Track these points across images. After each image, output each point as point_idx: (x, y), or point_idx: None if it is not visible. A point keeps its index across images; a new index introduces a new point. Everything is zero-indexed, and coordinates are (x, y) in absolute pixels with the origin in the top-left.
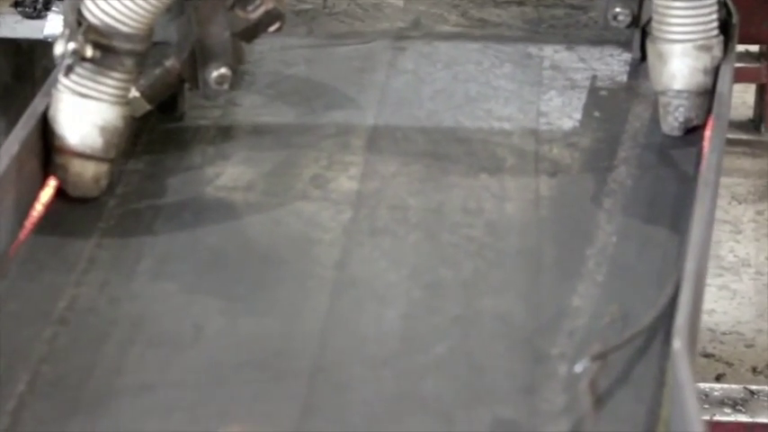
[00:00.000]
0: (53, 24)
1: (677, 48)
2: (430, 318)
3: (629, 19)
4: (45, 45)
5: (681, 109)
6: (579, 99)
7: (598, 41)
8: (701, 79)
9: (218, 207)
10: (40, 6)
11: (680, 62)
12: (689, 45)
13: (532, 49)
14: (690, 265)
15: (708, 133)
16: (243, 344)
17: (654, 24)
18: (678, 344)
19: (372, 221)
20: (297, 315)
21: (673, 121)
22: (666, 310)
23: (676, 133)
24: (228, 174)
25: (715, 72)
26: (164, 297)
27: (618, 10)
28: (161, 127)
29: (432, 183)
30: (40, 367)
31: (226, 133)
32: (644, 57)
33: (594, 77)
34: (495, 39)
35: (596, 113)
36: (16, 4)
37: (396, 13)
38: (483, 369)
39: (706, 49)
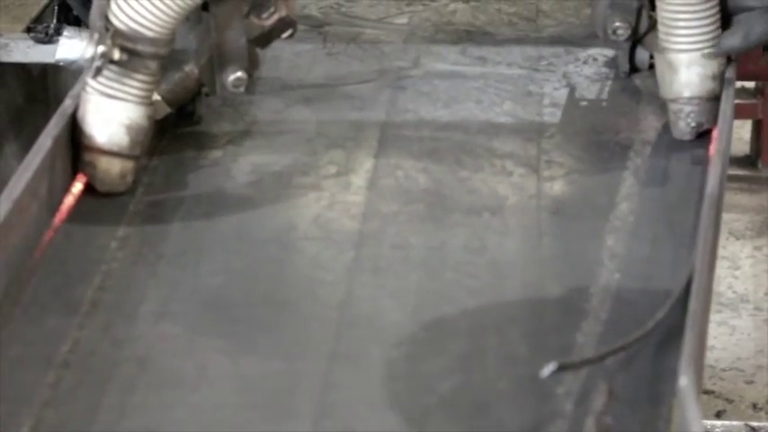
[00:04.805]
0: (64, 49)
1: (686, 57)
2: (434, 357)
3: (628, 32)
4: (57, 69)
5: (692, 114)
6: (580, 136)
7: (597, 78)
8: (709, 85)
9: (220, 248)
10: (51, 32)
11: (689, 71)
12: (697, 54)
13: (532, 87)
14: (693, 305)
15: (710, 169)
16: (246, 385)
17: (661, 36)
18: (685, 381)
19: (375, 261)
20: (300, 356)
21: (685, 127)
22: (653, 332)
23: (688, 137)
24: (230, 214)
25: (722, 77)
26: (166, 339)
27: (617, 24)
28: (163, 162)
29: (433, 221)
30: (42, 412)
31: (226, 173)
32: (632, 69)
33: (594, 114)
34: (495, 77)
35: (597, 150)
36: (28, 30)
37: (395, 52)
38: (488, 408)
39: (713, 56)
